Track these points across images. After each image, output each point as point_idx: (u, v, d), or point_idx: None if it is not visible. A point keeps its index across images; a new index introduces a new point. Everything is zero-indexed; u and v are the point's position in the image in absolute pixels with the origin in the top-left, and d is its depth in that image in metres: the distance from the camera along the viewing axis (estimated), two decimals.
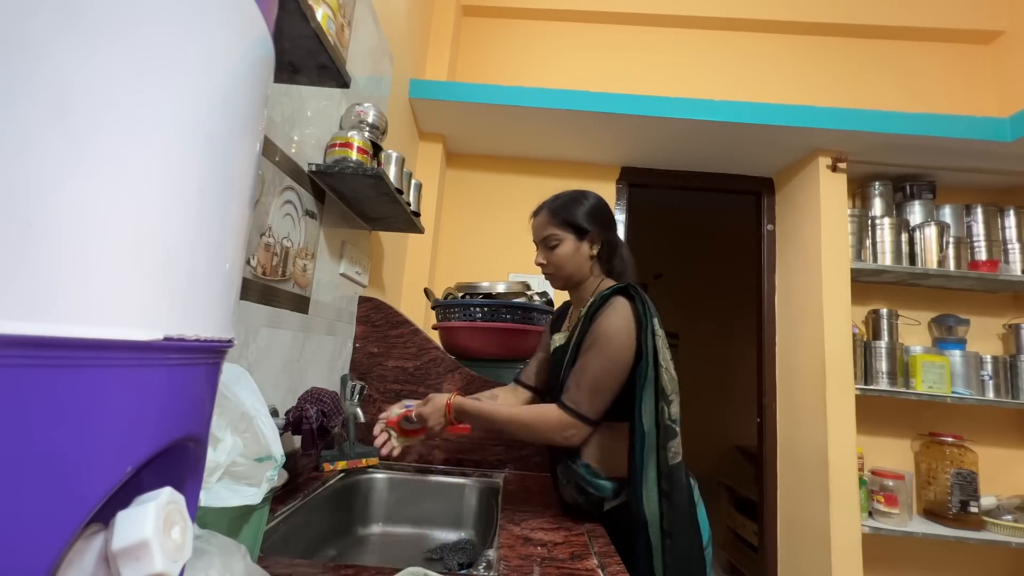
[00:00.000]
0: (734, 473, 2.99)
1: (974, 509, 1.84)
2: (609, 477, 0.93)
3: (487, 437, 1.39)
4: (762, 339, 2.31)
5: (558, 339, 1.09)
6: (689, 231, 4.43)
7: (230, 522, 0.56)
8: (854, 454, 1.84)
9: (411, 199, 1.48)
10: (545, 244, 1.02)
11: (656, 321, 0.92)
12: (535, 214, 1.05)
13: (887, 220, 2.04)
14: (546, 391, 1.13)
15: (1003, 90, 2.26)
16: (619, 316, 0.91)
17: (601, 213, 1.02)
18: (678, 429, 0.87)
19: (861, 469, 1.92)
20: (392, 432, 1.01)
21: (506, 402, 1.13)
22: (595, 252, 1.01)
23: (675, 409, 0.88)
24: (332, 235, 1.28)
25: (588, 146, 2.24)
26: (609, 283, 1.02)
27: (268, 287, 0.96)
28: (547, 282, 1.07)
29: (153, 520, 0.23)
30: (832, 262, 1.97)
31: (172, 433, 0.27)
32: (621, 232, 2.34)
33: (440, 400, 0.96)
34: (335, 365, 1.36)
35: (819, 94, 2.30)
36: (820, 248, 1.99)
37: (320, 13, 0.81)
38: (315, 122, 1.13)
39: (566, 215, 1.00)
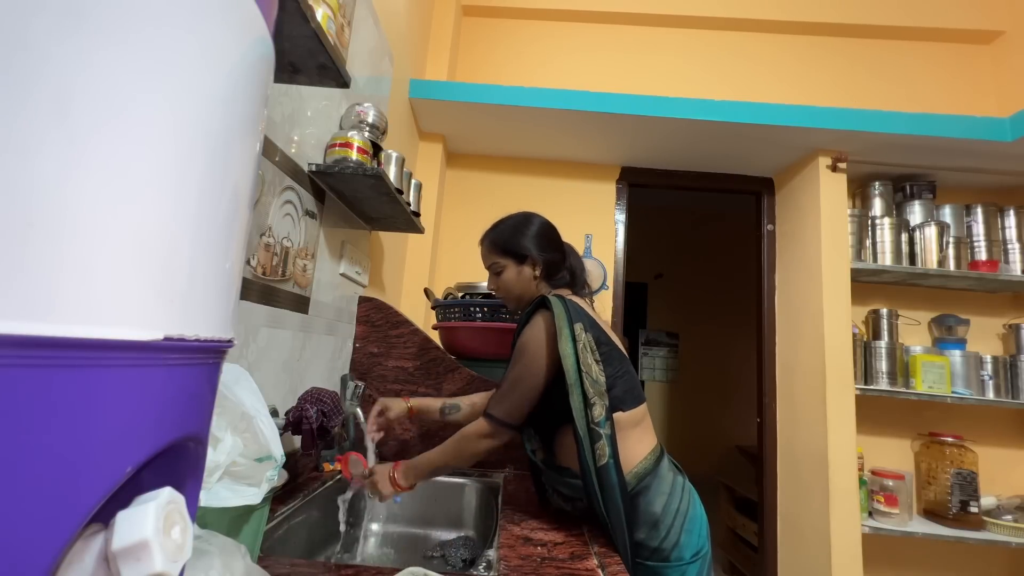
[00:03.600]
0: (734, 473, 2.99)
1: (974, 509, 1.84)
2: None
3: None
4: (762, 339, 2.31)
5: None
6: (689, 231, 4.43)
7: (230, 522, 0.56)
8: (854, 454, 1.84)
9: (411, 199, 1.48)
10: (492, 271, 1.08)
11: (579, 327, 0.94)
12: (481, 243, 1.10)
13: (887, 220, 2.04)
14: None
15: (1003, 90, 2.26)
16: (533, 328, 0.97)
17: (537, 235, 1.06)
18: (602, 432, 0.89)
19: (861, 469, 1.92)
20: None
21: (472, 404, 1.17)
22: (537, 273, 1.05)
23: (598, 412, 0.90)
24: (332, 235, 1.28)
25: (588, 146, 2.24)
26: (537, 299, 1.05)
27: (268, 287, 0.96)
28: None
29: (153, 520, 0.23)
30: (832, 262, 1.97)
31: (172, 433, 0.27)
32: (621, 232, 2.35)
33: (384, 475, 0.99)
34: (335, 365, 1.36)
35: (819, 94, 2.30)
36: (820, 248, 1.99)
37: (320, 13, 0.81)
38: (315, 122, 1.13)
39: (503, 243, 1.05)
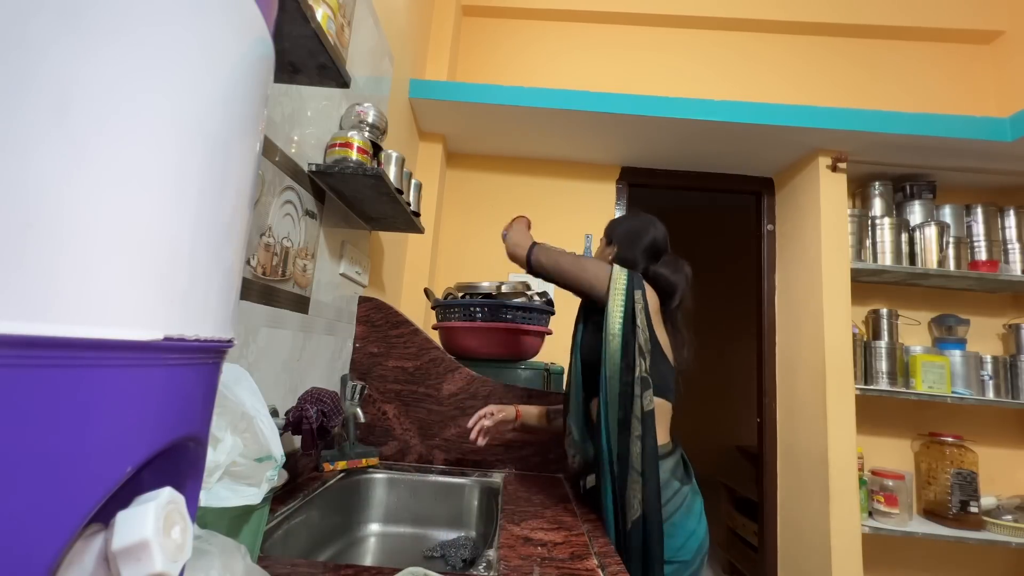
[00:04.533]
0: (734, 473, 2.99)
1: (974, 509, 1.84)
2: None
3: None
4: (762, 339, 2.31)
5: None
6: (689, 231, 4.43)
7: (230, 522, 0.56)
8: (854, 454, 1.84)
9: (411, 199, 1.48)
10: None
11: (639, 294, 1.01)
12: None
13: (887, 220, 2.04)
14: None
15: (1003, 90, 2.26)
16: (594, 264, 1.07)
17: (630, 235, 1.18)
18: (651, 382, 0.95)
19: (861, 469, 1.92)
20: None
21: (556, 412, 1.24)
22: (610, 259, 1.16)
23: (647, 365, 0.96)
24: (332, 235, 1.28)
25: (588, 146, 2.24)
26: None
27: (268, 287, 0.96)
28: (548, 283, 1.15)
29: (153, 520, 0.23)
30: (832, 262, 1.97)
31: (172, 433, 0.27)
32: None
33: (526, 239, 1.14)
34: (335, 365, 1.36)
35: (819, 94, 2.30)
36: (820, 248, 1.99)
37: (320, 13, 0.81)
38: (315, 122, 1.13)
39: (613, 228, 1.21)
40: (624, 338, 0.96)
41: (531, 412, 1.22)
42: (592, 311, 1.07)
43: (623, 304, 0.98)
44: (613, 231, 1.19)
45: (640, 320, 0.98)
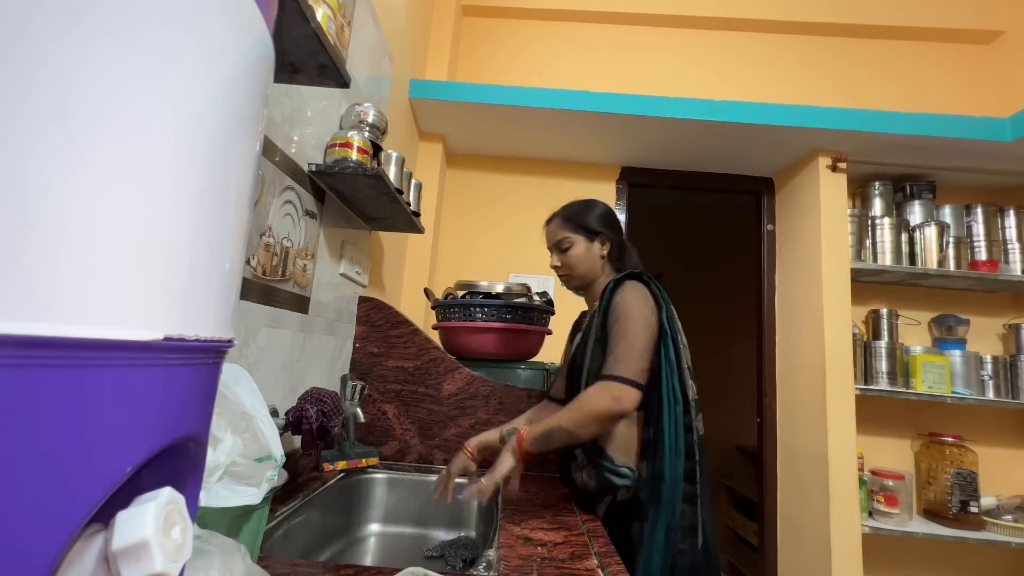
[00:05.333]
0: (734, 473, 2.99)
1: (974, 509, 1.84)
2: (623, 465, 0.95)
3: None
4: (762, 339, 2.31)
5: (574, 343, 1.15)
6: (689, 231, 4.43)
7: (230, 522, 0.56)
8: (854, 454, 1.84)
9: (411, 199, 1.48)
10: (559, 248, 1.09)
11: (672, 308, 0.97)
12: (548, 222, 1.13)
13: (887, 220, 2.04)
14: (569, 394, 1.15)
15: (1003, 90, 2.26)
16: (635, 292, 0.96)
17: (609, 217, 1.10)
18: (698, 409, 0.92)
19: (861, 469, 1.92)
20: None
21: (528, 420, 1.16)
22: (605, 252, 1.08)
23: (695, 390, 0.93)
24: (332, 235, 1.28)
25: (588, 146, 2.24)
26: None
27: (268, 287, 0.96)
28: (548, 283, 1.12)
29: (153, 520, 0.23)
30: (832, 262, 1.97)
31: (172, 433, 0.27)
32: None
33: (507, 455, 0.93)
34: (335, 365, 1.36)
35: (819, 94, 2.30)
36: (820, 248, 1.99)
37: (320, 13, 0.81)
38: (315, 122, 1.13)
39: (577, 219, 1.08)
40: (678, 357, 0.93)
41: (488, 442, 1.10)
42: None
43: (676, 322, 0.95)
44: (588, 221, 1.07)
45: (680, 339, 0.94)
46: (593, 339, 1.00)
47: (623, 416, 0.89)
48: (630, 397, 0.88)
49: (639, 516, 0.91)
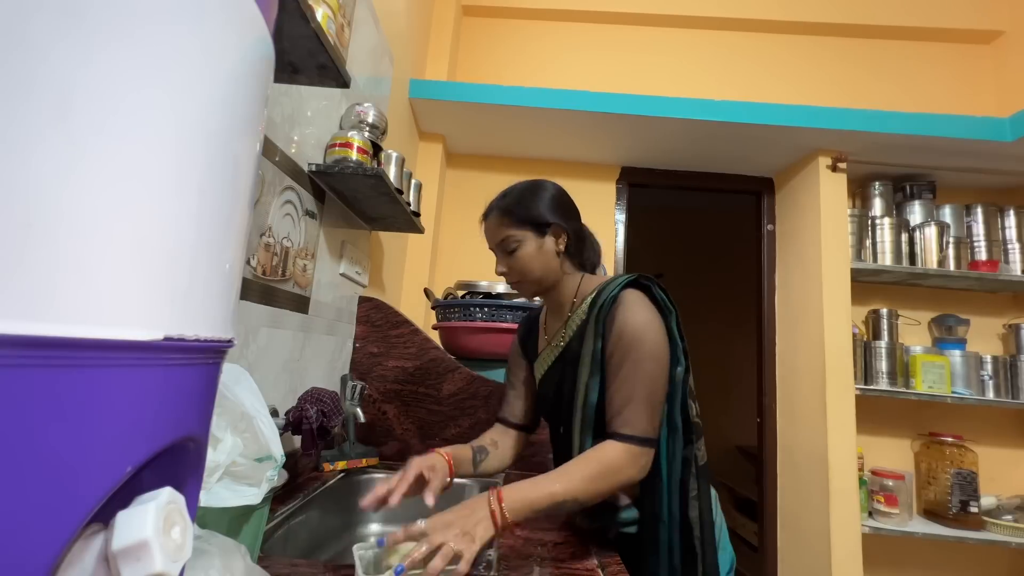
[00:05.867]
0: (734, 473, 2.99)
1: (974, 509, 1.84)
2: (630, 503, 0.85)
3: None
4: (762, 339, 2.31)
5: (544, 362, 0.93)
6: (689, 231, 4.43)
7: (230, 522, 0.56)
8: (854, 454, 1.84)
9: (411, 199, 1.48)
10: (503, 249, 0.87)
11: (678, 314, 0.83)
12: (485, 217, 0.89)
13: (887, 220, 2.04)
14: (533, 425, 1.02)
15: (1003, 90, 2.26)
16: (643, 309, 0.79)
17: (561, 201, 0.89)
18: (701, 425, 0.82)
19: (861, 469, 1.92)
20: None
21: (492, 442, 0.96)
22: (562, 247, 0.87)
23: (697, 407, 0.82)
24: (332, 235, 1.28)
25: (588, 146, 2.24)
26: (595, 279, 0.90)
27: (268, 287, 0.96)
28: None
29: (153, 520, 0.23)
30: (832, 262, 1.97)
31: (172, 433, 0.27)
32: (621, 232, 2.35)
33: (482, 515, 0.68)
34: (335, 365, 1.36)
35: (819, 94, 2.30)
36: (820, 248, 1.99)
37: (320, 13, 0.81)
38: (315, 122, 1.13)
39: (521, 211, 0.85)
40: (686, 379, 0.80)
41: (461, 456, 0.89)
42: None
43: (678, 335, 0.81)
44: (534, 212, 0.85)
45: (684, 348, 0.81)
46: (588, 372, 0.81)
47: (639, 472, 0.75)
48: (650, 459, 0.76)
49: (641, 553, 0.81)
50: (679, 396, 0.81)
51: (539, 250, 0.85)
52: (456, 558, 0.61)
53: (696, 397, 0.84)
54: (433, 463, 0.82)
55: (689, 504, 0.79)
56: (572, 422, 0.84)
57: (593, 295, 0.85)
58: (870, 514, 1.91)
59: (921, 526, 1.85)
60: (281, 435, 0.85)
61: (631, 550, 0.82)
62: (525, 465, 1.39)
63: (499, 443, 0.97)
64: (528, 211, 0.85)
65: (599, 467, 0.73)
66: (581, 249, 0.91)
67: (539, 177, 0.93)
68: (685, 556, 0.78)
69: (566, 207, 0.89)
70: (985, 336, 2.14)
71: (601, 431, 0.79)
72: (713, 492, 0.88)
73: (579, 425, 0.82)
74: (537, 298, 0.95)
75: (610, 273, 1.06)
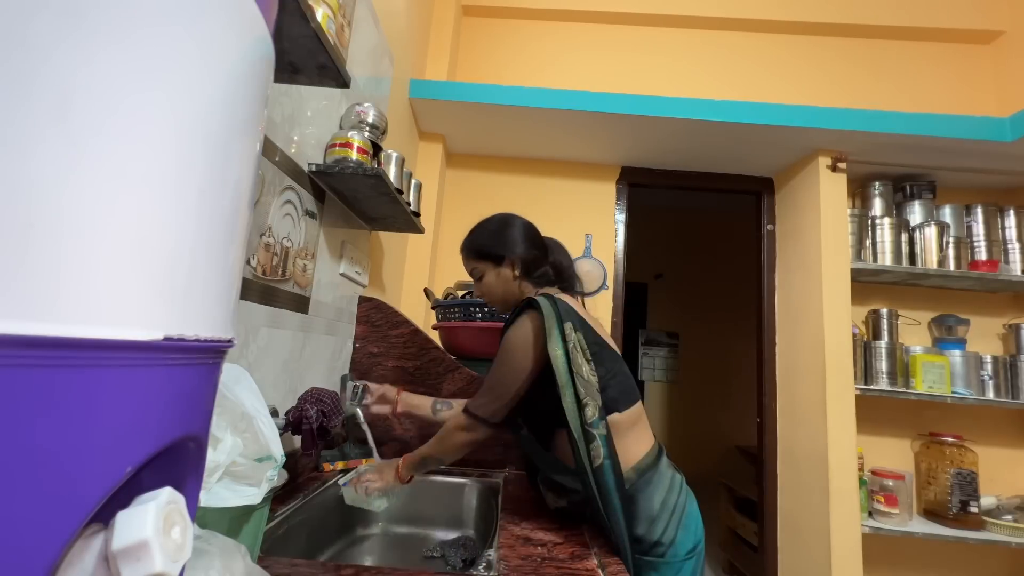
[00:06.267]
0: (734, 473, 2.99)
1: (974, 509, 1.84)
2: (574, 470, 0.94)
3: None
4: (762, 339, 2.31)
5: None
6: (689, 231, 4.43)
7: (230, 522, 0.56)
8: (854, 454, 1.84)
9: (411, 199, 1.48)
10: (473, 276, 1.09)
11: (569, 326, 0.92)
12: (461, 251, 1.11)
13: (887, 220, 2.04)
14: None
15: (1003, 90, 2.26)
16: (519, 328, 0.96)
17: (512, 235, 1.05)
18: (596, 433, 0.87)
19: (861, 469, 1.92)
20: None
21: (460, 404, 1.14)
22: (516, 272, 1.04)
23: (591, 412, 0.88)
24: (332, 235, 1.28)
25: (588, 146, 2.24)
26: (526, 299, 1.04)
27: (268, 287, 0.96)
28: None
29: (153, 520, 0.23)
30: (832, 262, 1.97)
31: (172, 433, 0.27)
32: (621, 232, 2.35)
33: (390, 468, 1.02)
34: (335, 365, 1.36)
35: (819, 94, 2.30)
36: (820, 248, 1.99)
37: (320, 13, 0.81)
38: (315, 122, 1.13)
39: (478, 248, 1.06)
40: (573, 387, 0.89)
41: (416, 402, 1.14)
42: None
43: (561, 349, 0.91)
44: (497, 246, 1.04)
45: (576, 361, 0.90)
46: None
47: (474, 433, 0.96)
48: (478, 433, 0.96)
49: (595, 516, 0.91)
50: (571, 409, 0.89)
51: (497, 277, 1.05)
52: (371, 482, 0.99)
53: (585, 404, 0.89)
54: (384, 392, 1.13)
55: (591, 457, 0.87)
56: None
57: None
58: (870, 514, 1.91)
59: (921, 526, 1.85)
60: (281, 435, 0.85)
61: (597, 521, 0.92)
62: (524, 464, 1.39)
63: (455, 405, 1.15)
64: (485, 247, 1.06)
65: (444, 431, 0.99)
66: (534, 270, 1.07)
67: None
68: (606, 497, 0.87)
69: (521, 238, 1.06)
70: (985, 336, 2.14)
71: (537, 426, 1.01)
72: (679, 475, 0.98)
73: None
74: None
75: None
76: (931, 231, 2.00)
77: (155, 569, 0.22)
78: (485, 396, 0.96)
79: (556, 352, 0.91)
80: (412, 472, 1.01)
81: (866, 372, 2.00)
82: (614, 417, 0.91)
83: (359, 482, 0.99)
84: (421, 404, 1.14)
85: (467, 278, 1.89)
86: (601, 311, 2.26)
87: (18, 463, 0.19)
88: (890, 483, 1.89)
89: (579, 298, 1.11)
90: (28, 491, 0.19)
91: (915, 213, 2.10)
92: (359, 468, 1.07)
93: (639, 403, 0.99)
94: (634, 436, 0.95)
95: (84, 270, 0.21)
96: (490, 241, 1.05)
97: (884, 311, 2.09)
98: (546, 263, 1.08)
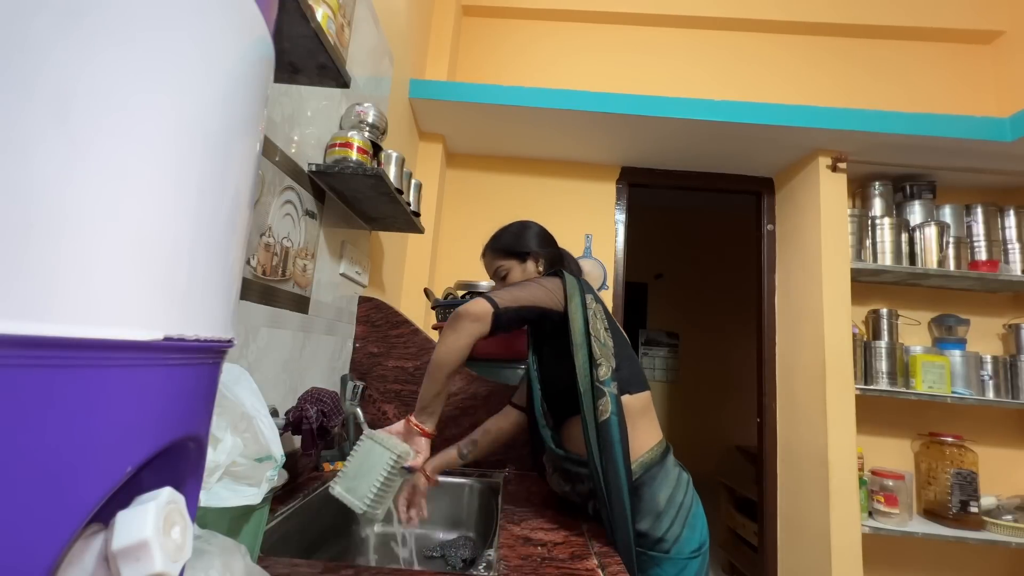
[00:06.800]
0: (734, 473, 2.99)
1: (974, 509, 1.84)
2: (584, 459, 0.94)
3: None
4: (762, 339, 2.31)
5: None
6: (689, 231, 4.43)
7: (230, 522, 0.56)
8: (854, 454, 1.84)
9: (411, 199, 1.48)
10: (497, 276, 1.13)
11: (590, 298, 0.97)
12: (483, 255, 1.16)
13: (887, 220, 2.04)
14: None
15: (1003, 90, 2.26)
16: (547, 279, 1.01)
17: (534, 235, 1.13)
18: (606, 390, 0.89)
19: (861, 469, 1.92)
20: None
21: (485, 431, 1.14)
22: (540, 268, 1.10)
23: (603, 371, 0.90)
24: (332, 235, 1.28)
25: (588, 146, 2.24)
26: None
27: (268, 287, 0.96)
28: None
29: (153, 520, 0.23)
30: (832, 262, 1.97)
31: (172, 433, 0.27)
32: (621, 232, 2.35)
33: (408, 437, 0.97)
34: (335, 365, 1.36)
35: (819, 94, 2.30)
36: (820, 248, 1.99)
37: (320, 13, 0.81)
38: (315, 122, 1.13)
39: (502, 247, 1.12)
40: (588, 347, 0.92)
41: (441, 462, 1.06)
42: (545, 338, 1.01)
43: (581, 313, 0.94)
44: (520, 245, 1.11)
45: (595, 326, 0.94)
46: (531, 349, 1.05)
47: (477, 323, 0.93)
48: (484, 314, 0.93)
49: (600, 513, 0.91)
50: (582, 368, 0.91)
51: (523, 272, 1.10)
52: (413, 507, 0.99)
53: (598, 364, 0.91)
54: (415, 485, 1.02)
55: (597, 456, 0.87)
56: (532, 396, 1.04)
57: None
58: (870, 514, 1.91)
59: (921, 526, 1.85)
60: (281, 435, 0.85)
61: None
62: (524, 464, 1.39)
63: (491, 430, 1.14)
64: (509, 245, 1.12)
65: (454, 315, 0.94)
66: (556, 266, 1.10)
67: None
68: (608, 452, 0.87)
69: (541, 238, 1.13)
70: (985, 336, 2.14)
71: (553, 407, 1.00)
72: (686, 475, 0.97)
73: (533, 394, 1.02)
74: None
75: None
76: (931, 231, 2.00)
77: (155, 569, 0.22)
78: (509, 292, 0.95)
79: (575, 313, 0.94)
80: (426, 413, 0.96)
81: (866, 372, 2.00)
82: (625, 398, 0.92)
83: (409, 519, 0.97)
84: (449, 460, 1.08)
85: (467, 278, 1.90)
86: None
87: (18, 463, 0.19)
88: (890, 483, 1.89)
89: None
90: (28, 491, 0.19)
91: (915, 213, 2.10)
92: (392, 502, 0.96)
93: (648, 392, 1.00)
94: (643, 426, 0.95)
95: (84, 270, 0.21)
96: (513, 240, 1.12)
97: (884, 311, 2.09)
98: (564, 264, 1.13)
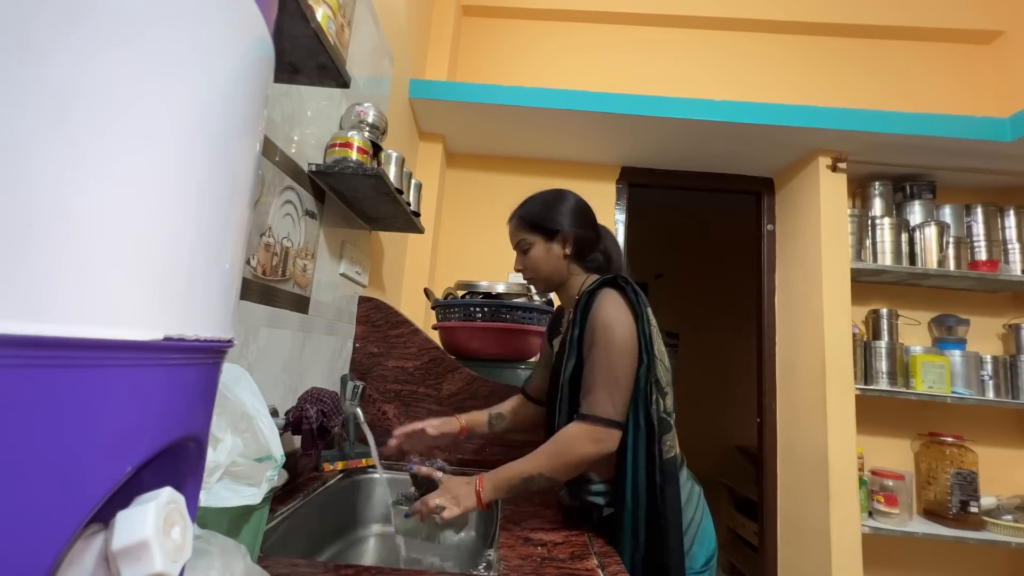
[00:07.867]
0: (734, 473, 2.99)
1: (974, 509, 1.84)
2: (603, 480, 0.92)
3: (487, 438, 1.38)
4: (762, 339, 2.31)
5: (556, 345, 1.09)
6: (689, 231, 4.43)
7: (230, 522, 0.56)
8: (854, 454, 1.84)
9: (411, 199, 1.48)
10: (519, 248, 1.01)
11: (649, 311, 0.90)
12: (509, 221, 1.04)
13: (887, 220, 2.04)
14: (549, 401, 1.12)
15: (1003, 90, 2.26)
16: (613, 305, 0.88)
17: (569, 210, 0.99)
18: (672, 422, 0.85)
19: (861, 469, 1.92)
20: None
21: (512, 410, 1.14)
22: (568, 251, 0.98)
23: (669, 402, 0.86)
24: (332, 235, 1.28)
25: (588, 146, 2.24)
26: (595, 279, 0.98)
27: (268, 287, 0.96)
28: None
29: (153, 520, 0.23)
30: (832, 262, 1.97)
31: (172, 433, 0.27)
32: (621, 232, 2.34)
33: (468, 490, 0.85)
34: (335, 365, 1.36)
35: (819, 94, 2.30)
36: (820, 248, 1.99)
37: (320, 13, 0.81)
38: (315, 122, 1.13)
39: (532, 218, 0.98)
40: (654, 373, 0.85)
41: (478, 420, 1.11)
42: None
43: (647, 334, 0.86)
44: (549, 220, 0.97)
45: (659, 346, 0.86)
46: (567, 354, 0.94)
47: (610, 453, 0.84)
48: (613, 440, 0.84)
49: (614, 532, 0.88)
50: (642, 393, 0.86)
51: (547, 252, 0.98)
52: (440, 508, 0.82)
53: (665, 393, 0.87)
54: (445, 422, 1.06)
55: (656, 493, 0.84)
56: (556, 398, 0.97)
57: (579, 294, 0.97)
58: (870, 514, 1.91)
59: (921, 526, 1.85)
60: (281, 435, 0.85)
61: (610, 530, 0.89)
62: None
63: (519, 412, 1.14)
64: (540, 218, 0.98)
65: (559, 445, 0.85)
66: (587, 253, 1.00)
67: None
68: (651, 535, 0.83)
69: (577, 216, 0.99)
70: (985, 336, 2.14)
71: (576, 408, 0.89)
72: (698, 488, 0.95)
73: (558, 400, 0.95)
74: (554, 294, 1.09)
75: None
76: (931, 231, 2.00)
77: (155, 569, 0.22)
78: (602, 392, 0.83)
79: (648, 333, 0.86)
80: (501, 496, 0.85)
81: (866, 372, 2.00)
82: (669, 441, 0.88)
83: (428, 510, 0.82)
84: (478, 420, 1.10)
85: (467, 278, 1.90)
86: None
87: (18, 463, 0.19)
88: (890, 483, 1.89)
89: None
90: (28, 491, 0.19)
91: (915, 213, 2.10)
92: (425, 497, 0.84)
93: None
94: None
95: (84, 270, 0.21)
96: (543, 212, 0.98)
97: (884, 311, 2.09)
98: (598, 248, 1.01)
